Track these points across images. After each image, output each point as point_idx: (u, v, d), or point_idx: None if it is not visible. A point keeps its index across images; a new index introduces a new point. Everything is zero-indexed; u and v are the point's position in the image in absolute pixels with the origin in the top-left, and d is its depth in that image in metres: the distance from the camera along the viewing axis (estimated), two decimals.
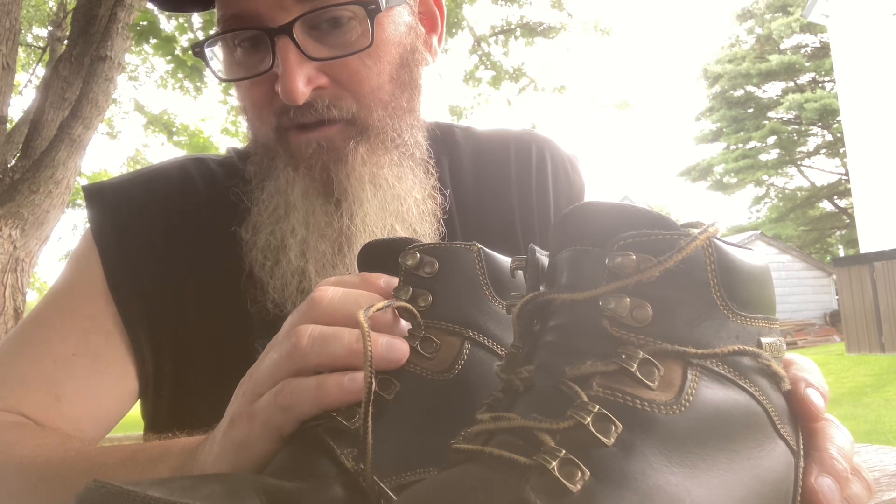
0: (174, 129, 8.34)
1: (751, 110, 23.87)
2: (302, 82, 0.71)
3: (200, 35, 3.77)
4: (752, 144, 23.63)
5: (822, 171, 25.07)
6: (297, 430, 0.45)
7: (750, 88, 23.78)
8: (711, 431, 0.33)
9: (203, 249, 0.83)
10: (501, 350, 0.47)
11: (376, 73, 0.76)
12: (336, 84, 0.75)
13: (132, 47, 4.05)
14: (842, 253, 21.57)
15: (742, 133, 23.65)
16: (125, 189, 0.86)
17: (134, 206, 0.84)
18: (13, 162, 4.36)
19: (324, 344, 0.45)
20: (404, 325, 0.47)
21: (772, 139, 23.22)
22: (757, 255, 0.39)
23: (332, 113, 0.74)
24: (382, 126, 0.78)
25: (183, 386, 0.80)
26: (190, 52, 3.71)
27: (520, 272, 0.44)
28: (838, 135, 19.08)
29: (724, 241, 0.37)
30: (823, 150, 23.75)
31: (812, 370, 0.42)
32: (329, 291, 0.48)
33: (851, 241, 20.56)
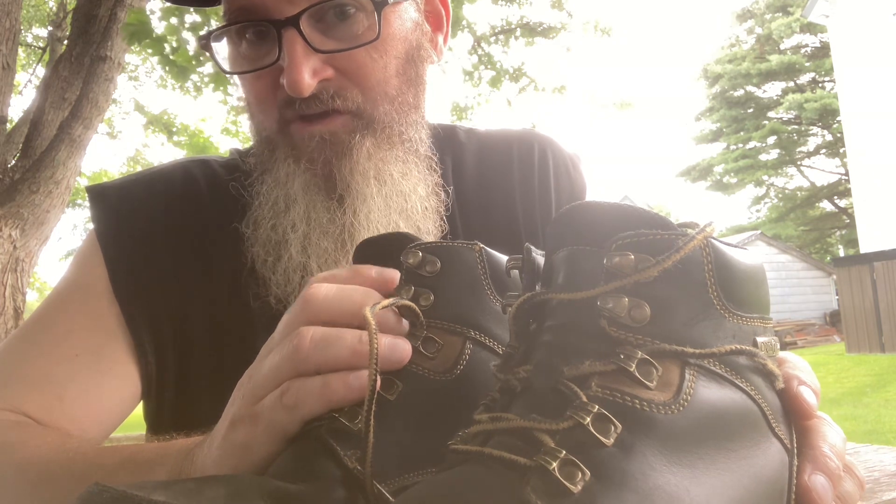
0: (174, 129, 8.34)
1: (751, 110, 23.85)
2: (308, 74, 0.71)
3: (191, 36, 3.77)
4: (752, 144, 23.62)
5: (822, 171, 25.08)
6: (299, 432, 0.45)
7: (750, 88, 23.76)
8: (709, 431, 0.33)
9: (206, 250, 0.82)
10: (503, 350, 0.47)
11: (382, 67, 0.76)
12: (342, 76, 0.74)
13: (132, 48, 4.05)
14: (842, 253, 21.56)
15: (742, 133, 23.63)
16: (128, 190, 0.86)
17: (137, 206, 0.84)
18: (13, 162, 4.36)
19: (326, 346, 0.45)
20: (405, 323, 0.47)
21: (772, 139, 23.21)
22: (752, 255, 0.39)
23: (336, 103, 0.74)
24: (388, 120, 0.77)
25: (186, 387, 0.80)
26: (179, 53, 3.71)
27: (515, 271, 0.44)
28: (838, 135, 19.07)
29: (720, 241, 0.37)
30: (823, 150, 23.74)
31: (804, 368, 0.43)
32: (322, 288, 0.48)
33: (851, 241, 20.55)
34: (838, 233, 24.05)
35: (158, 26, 3.64)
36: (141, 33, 3.43)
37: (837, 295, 12.05)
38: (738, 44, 25.16)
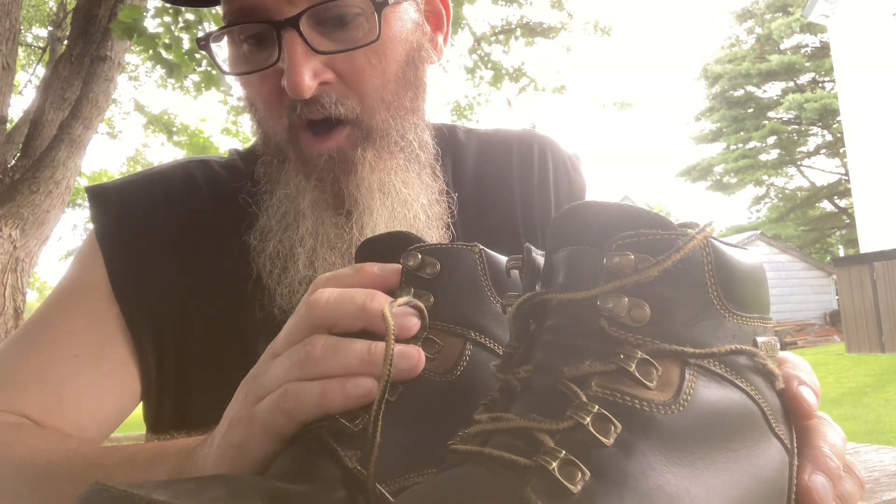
0: (174, 129, 8.34)
1: (751, 110, 23.86)
2: (308, 75, 0.71)
3: (185, 34, 3.78)
4: (752, 144, 23.62)
5: (822, 171, 25.07)
6: (299, 432, 0.45)
7: (750, 88, 23.77)
8: (709, 431, 0.33)
9: (206, 251, 0.82)
10: (503, 351, 0.47)
11: (381, 72, 0.76)
12: (341, 81, 0.74)
13: (132, 48, 4.05)
14: (842, 253, 21.56)
15: (742, 133, 23.63)
16: (129, 190, 0.86)
17: (137, 207, 0.84)
18: (13, 162, 4.36)
19: (336, 354, 0.45)
20: (417, 322, 0.46)
21: (772, 139, 23.21)
22: (752, 255, 0.39)
23: (339, 111, 0.74)
24: (385, 128, 0.77)
25: (185, 387, 0.80)
26: (173, 50, 3.72)
27: (515, 271, 0.44)
28: (838, 135, 19.06)
29: (720, 241, 0.37)
30: (823, 150, 23.75)
31: (804, 368, 0.43)
32: (325, 293, 0.48)
33: (851, 241, 20.55)
34: (838, 233, 24.05)
35: (152, 24, 3.65)
36: (132, 30, 3.43)
37: (837, 295, 12.06)
38: (738, 44, 25.17)
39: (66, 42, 4.93)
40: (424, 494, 0.32)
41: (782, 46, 23.56)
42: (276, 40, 0.72)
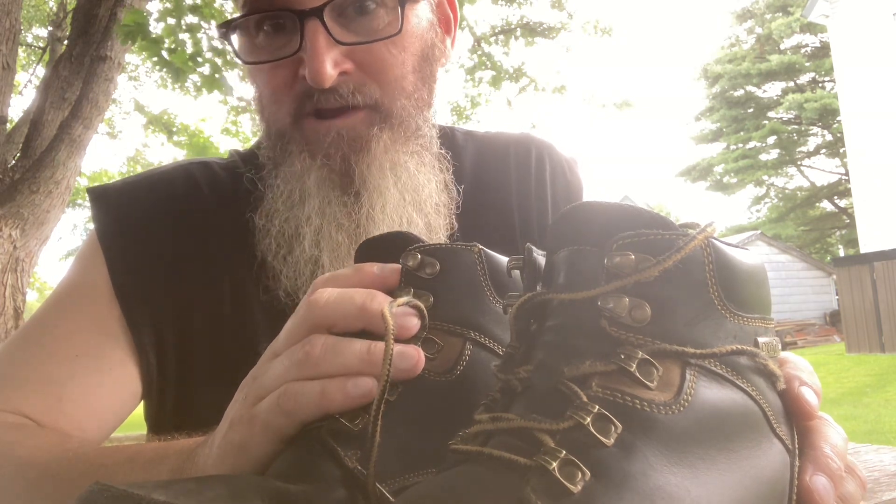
0: (174, 129, 8.34)
1: (751, 110, 23.85)
2: (330, 65, 0.72)
3: (188, 37, 3.78)
4: (752, 144, 23.61)
5: (822, 171, 25.06)
6: (299, 432, 0.45)
7: (750, 88, 23.76)
8: (710, 431, 0.33)
9: (208, 251, 0.83)
10: (502, 351, 0.47)
11: (401, 63, 0.77)
12: (361, 71, 0.75)
13: (132, 48, 4.05)
14: (842, 253, 21.56)
15: (742, 133, 23.63)
16: (130, 191, 0.86)
17: (139, 208, 0.84)
18: (13, 162, 4.36)
19: (336, 354, 0.45)
20: (417, 322, 0.46)
21: (772, 139, 23.21)
22: (753, 255, 0.39)
23: (356, 99, 0.75)
24: (405, 115, 0.78)
25: (186, 388, 0.80)
26: (176, 54, 3.72)
27: (516, 272, 0.44)
28: (838, 135, 19.06)
29: (721, 241, 0.37)
30: (823, 150, 23.74)
31: (805, 369, 0.43)
32: (325, 293, 0.48)
33: (851, 241, 20.54)
34: (838, 233, 24.05)
35: (156, 27, 3.65)
36: (136, 33, 3.44)
37: (837, 295, 12.06)
38: (738, 44, 25.16)
39: (66, 42, 4.93)
40: (424, 494, 0.32)
41: (782, 46, 23.56)
42: (295, 30, 0.73)
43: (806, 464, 0.38)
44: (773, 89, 24.05)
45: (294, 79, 0.75)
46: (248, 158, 0.90)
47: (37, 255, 3.99)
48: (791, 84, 23.57)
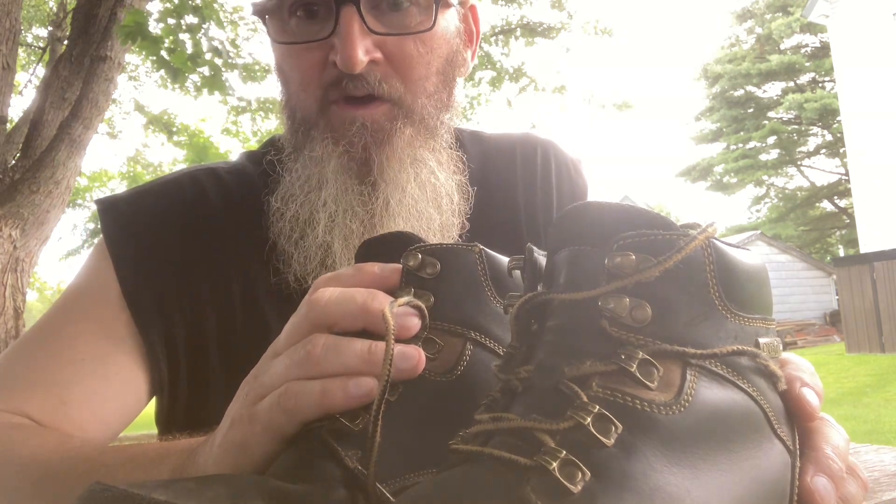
0: (174, 129, 8.35)
1: (751, 110, 23.85)
2: (362, 51, 0.73)
3: (188, 37, 3.78)
4: (752, 144, 23.61)
5: (822, 171, 25.06)
6: (299, 432, 0.45)
7: (750, 88, 23.76)
8: (710, 432, 0.33)
9: (217, 256, 0.83)
10: (503, 351, 0.47)
11: (426, 63, 0.79)
12: (388, 64, 0.77)
13: (132, 48, 4.05)
14: (842, 253, 21.55)
15: (742, 133, 23.62)
16: (138, 200, 0.87)
17: (146, 215, 0.84)
18: (13, 162, 4.36)
19: (337, 353, 0.45)
20: (418, 322, 0.47)
21: (772, 139, 23.20)
22: (754, 256, 0.39)
23: (382, 89, 0.76)
24: (425, 113, 0.80)
25: (199, 389, 0.81)
26: (176, 55, 3.72)
27: (517, 272, 0.44)
28: (838, 135, 19.06)
29: (722, 242, 0.37)
30: (823, 150, 23.74)
31: (807, 369, 0.43)
32: (326, 293, 0.48)
33: (851, 241, 20.54)
34: (838, 233, 24.04)
35: (156, 27, 3.65)
36: (136, 33, 3.44)
37: (837, 295, 12.06)
38: (738, 44, 25.16)
39: (66, 42, 4.94)
40: (424, 494, 0.32)
41: (782, 46, 23.55)
42: (329, 17, 0.74)
43: (807, 464, 0.38)
44: (773, 89, 24.07)
45: (324, 64, 0.76)
46: (255, 159, 0.90)
47: (37, 255, 3.99)
48: (791, 84, 23.56)
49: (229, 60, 3.99)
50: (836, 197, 23.81)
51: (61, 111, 4.26)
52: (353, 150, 0.77)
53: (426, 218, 0.79)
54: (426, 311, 0.46)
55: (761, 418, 0.36)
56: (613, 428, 0.32)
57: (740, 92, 23.83)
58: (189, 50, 3.79)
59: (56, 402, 0.72)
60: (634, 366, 0.33)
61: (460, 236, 0.84)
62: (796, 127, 23.01)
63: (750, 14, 24.60)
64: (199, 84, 4.04)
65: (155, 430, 0.88)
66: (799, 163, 24.10)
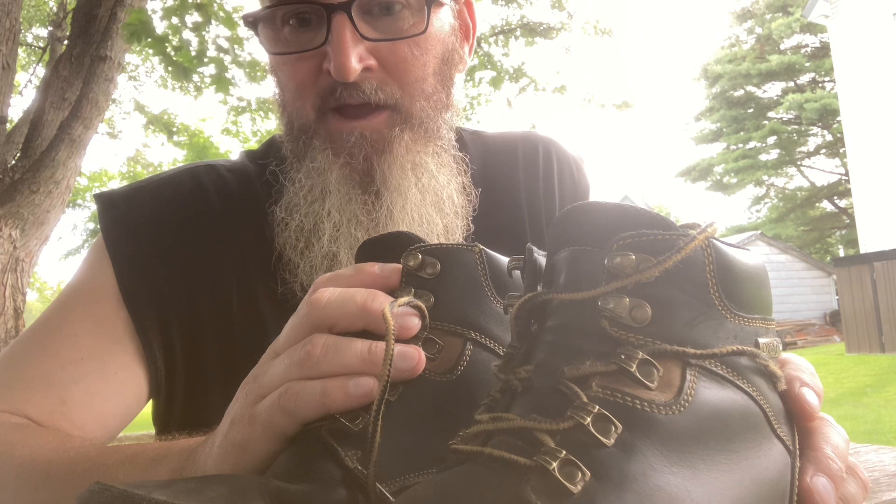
0: (174, 129, 8.35)
1: (751, 110, 23.83)
2: (355, 59, 0.73)
3: (192, 35, 3.78)
4: (752, 144, 23.59)
5: (822, 171, 25.04)
6: (299, 432, 0.45)
7: (750, 88, 23.74)
8: (710, 432, 0.33)
9: (215, 253, 0.83)
10: (503, 351, 0.47)
11: (422, 65, 0.78)
12: (383, 69, 0.76)
13: (133, 48, 4.05)
14: (842, 253, 21.55)
15: (742, 133, 23.61)
16: (136, 196, 0.86)
17: (145, 212, 0.84)
18: (13, 162, 4.36)
19: (337, 353, 0.45)
20: (418, 322, 0.47)
21: (772, 139, 23.19)
22: (754, 256, 0.39)
23: (378, 97, 0.76)
24: (424, 116, 0.79)
25: (196, 389, 0.80)
26: (181, 53, 3.72)
27: (517, 272, 0.44)
28: (838, 135, 19.06)
29: (722, 242, 0.37)
30: (823, 150, 23.72)
31: (807, 369, 0.43)
32: (326, 293, 0.48)
33: (851, 241, 20.53)
34: (838, 233, 24.04)
35: (160, 26, 3.65)
36: (141, 32, 3.44)
37: (837, 295, 12.05)
38: (738, 44, 25.15)
39: (66, 42, 4.94)
40: (424, 494, 0.32)
41: (782, 46, 23.54)
42: (321, 25, 0.74)
43: (807, 464, 0.38)
44: (773, 89, 24.05)
45: (318, 73, 0.76)
46: (259, 157, 0.90)
47: (37, 255, 3.99)
48: (791, 84, 23.56)
49: (238, 58, 3.99)
50: (836, 197, 23.81)
51: (61, 111, 4.26)
52: (353, 161, 0.77)
53: (429, 222, 0.79)
54: (426, 311, 0.46)
55: (761, 418, 0.36)
56: (613, 428, 0.32)
57: (740, 92, 23.82)
58: (194, 48, 3.78)
59: (55, 403, 0.72)
60: (634, 366, 0.33)
61: (465, 239, 0.84)
62: (796, 127, 23.00)
63: (750, 14, 24.59)
64: (199, 84, 4.04)
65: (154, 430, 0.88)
66: (799, 163, 24.09)
